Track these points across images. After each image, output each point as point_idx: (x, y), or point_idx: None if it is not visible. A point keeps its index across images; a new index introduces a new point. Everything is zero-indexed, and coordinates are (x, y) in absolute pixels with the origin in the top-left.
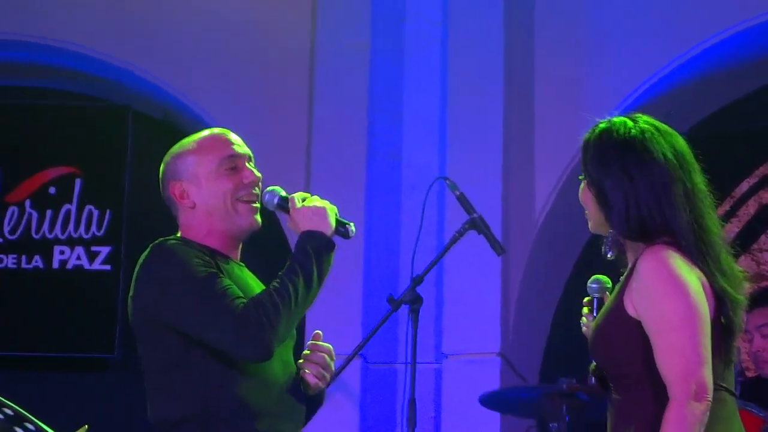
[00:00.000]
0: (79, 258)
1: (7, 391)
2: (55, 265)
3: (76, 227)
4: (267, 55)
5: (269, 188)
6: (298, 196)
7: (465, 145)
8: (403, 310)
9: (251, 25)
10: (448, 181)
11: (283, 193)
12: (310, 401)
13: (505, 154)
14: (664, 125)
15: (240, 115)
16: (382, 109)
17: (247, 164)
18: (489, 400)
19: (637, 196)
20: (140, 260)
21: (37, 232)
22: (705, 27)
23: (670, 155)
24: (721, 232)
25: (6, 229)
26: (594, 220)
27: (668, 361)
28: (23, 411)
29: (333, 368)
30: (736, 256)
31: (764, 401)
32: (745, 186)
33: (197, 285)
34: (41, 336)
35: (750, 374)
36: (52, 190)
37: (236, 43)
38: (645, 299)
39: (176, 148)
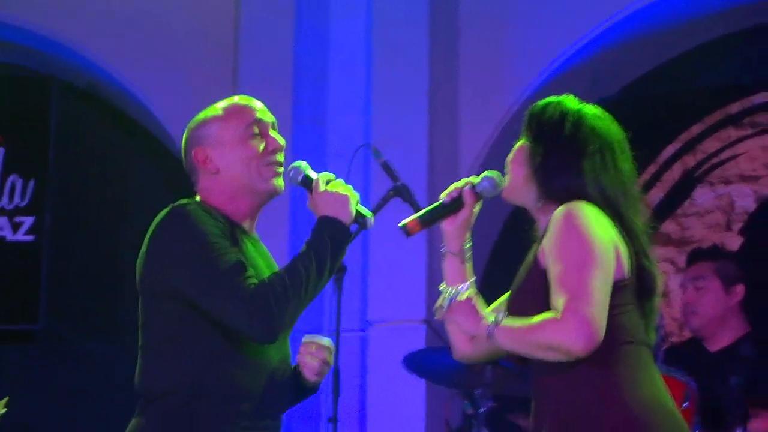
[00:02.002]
0: (1, 229)
1: None
2: None
3: (6, 197)
4: (191, 22)
5: (295, 163)
6: (323, 177)
7: (390, 111)
8: None
9: None
10: (372, 148)
11: (309, 172)
12: (303, 389)
13: (431, 120)
14: (603, 112)
15: (164, 83)
16: (308, 74)
17: (270, 131)
18: (413, 362)
19: (566, 162)
20: (157, 220)
21: None
22: None
23: (601, 134)
24: (645, 214)
25: None
26: (514, 181)
27: (559, 295)
28: None
29: (332, 363)
30: (662, 220)
31: (688, 366)
32: (669, 151)
33: (212, 256)
34: None
35: (674, 339)
36: None
37: (160, 10)
38: (552, 244)
39: (201, 115)
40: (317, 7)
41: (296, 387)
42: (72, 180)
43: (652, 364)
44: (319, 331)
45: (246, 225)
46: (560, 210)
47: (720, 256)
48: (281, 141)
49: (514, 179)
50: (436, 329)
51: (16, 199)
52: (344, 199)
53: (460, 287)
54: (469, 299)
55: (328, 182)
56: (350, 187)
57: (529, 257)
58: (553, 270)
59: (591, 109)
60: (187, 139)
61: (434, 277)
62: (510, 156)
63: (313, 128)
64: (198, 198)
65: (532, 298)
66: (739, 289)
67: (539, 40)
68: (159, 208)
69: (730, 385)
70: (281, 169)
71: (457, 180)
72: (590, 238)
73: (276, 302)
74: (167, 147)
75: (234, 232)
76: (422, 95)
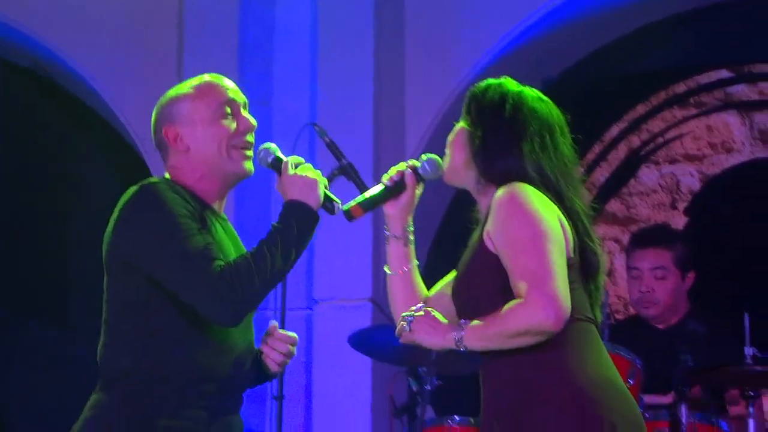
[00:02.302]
0: None
1: None
2: None
3: None
4: (137, 7)
5: (265, 145)
6: (292, 160)
7: (335, 91)
8: None
9: None
10: (317, 128)
11: (279, 154)
12: (264, 374)
13: (376, 98)
14: (543, 95)
15: (110, 64)
16: (253, 55)
17: (242, 111)
18: (358, 340)
19: (507, 143)
20: (125, 197)
21: None
22: None
23: (542, 116)
24: (584, 195)
25: None
26: (454, 163)
27: (519, 278)
28: None
29: (294, 354)
30: (607, 199)
31: (633, 344)
32: (614, 130)
33: (179, 237)
34: None
35: (619, 317)
36: None
37: None
38: (499, 227)
39: (171, 92)
40: None
41: (257, 371)
42: (17, 162)
43: (600, 341)
44: (264, 309)
45: (215, 205)
46: (501, 192)
47: (675, 241)
48: (253, 122)
49: (454, 161)
50: (381, 307)
51: None
52: (312, 183)
53: (414, 307)
54: (427, 313)
55: (297, 165)
56: (319, 171)
57: (473, 240)
58: (507, 255)
59: (531, 92)
60: (157, 115)
61: (380, 256)
62: (450, 138)
63: (259, 109)
64: (167, 176)
65: (481, 280)
66: (691, 276)
67: (484, 22)
68: (105, 188)
69: (679, 362)
70: (251, 152)
71: (402, 160)
72: (537, 216)
73: (241, 285)
74: (113, 127)
75: (203, 212)
76: (368, 75)
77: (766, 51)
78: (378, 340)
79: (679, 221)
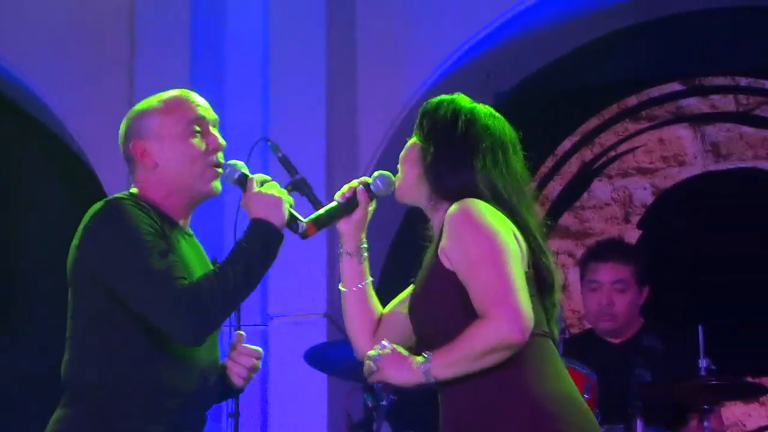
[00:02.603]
0: None
1: None
2: None
3: None
4: (86, 16)
5: (231, 161)
6: (257, 178)
7: (288, 105)
8: None
9: None
10: (270, 142)
11: (245, 170)
12: (229, 389)
13: (328, 114)
14: (496, 112)
15: (60, 78)
16: (204, 68)
17: (211, 129)
18: (314, 356)
19: (460, 158)
20: (91, 212)
21: None
22: None
23: (495, 133)
24: (537, 213)
25: None
26: (406, 180)
27: (481, 295)
28: None
29: (259, 368)
30: (560, 213)
31: (588, 358)
32: (567, 144)
33: (143, 254)
34: None
35: (574, 330)
36: None
37: (56, 7)
38: (455, 244)
39: (140, 106)
40: (213, 1)
41: (222, 386)
42: None
43: (557, 355)
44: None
45: (181, 222)
46: (454, 208)
47: (633, 255)
48: (221, 141)
49: (406, 178)
50: (336, 323)
51: None
52: (277, 202)
53: (379, 345)
54: (393, 350)
55: (262, 183)
56: (284, 190)
57: (428, 257)
58: (465, 271)
59: (484, 109)
60: (125, 129)
61: (334, 271)
62: (402, 154)
63: None
64: (135, 190)
65: (438, 297)
66: (646, 290)
67: (436, 35)
68: (55, 202)
69: (635, 376)
70: (220, 171)
71: (355, 174)
72: (491, 231)
73: (204, 305)
74: (63, 142)
75: (169, 229)
76: (320, 89)
77: (718, 64)
78: (333, 356)
79: (632, 235)
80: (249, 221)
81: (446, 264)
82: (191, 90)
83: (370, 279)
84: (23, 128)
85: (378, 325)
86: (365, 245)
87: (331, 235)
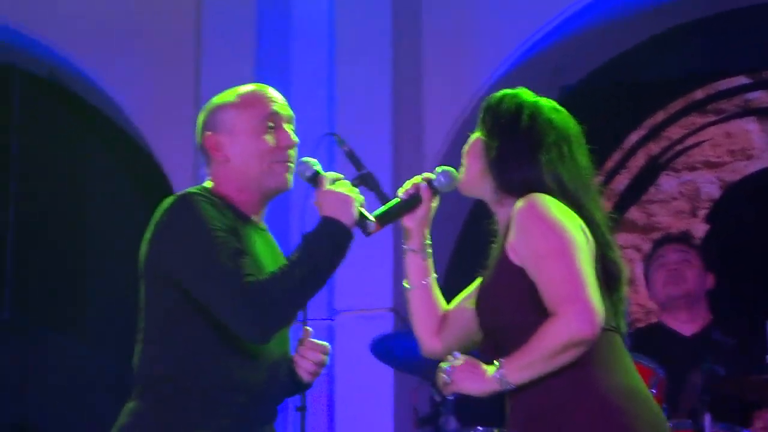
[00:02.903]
0: None
1: None
2: None
3: None
4: (153, 10)
5: (305, 159)
6: (329, 176)
7: (354, 100)
8: None
9: None
10: (336, 137)
11: (318, 167)
12: (298, 385)
13: (394, 107)
14: (559, 106)
15: (126, 73)
16: (270, 64)
17: (284, 125)
18: (380, 349)
19: (524, 153)
20: (164, 206)
21: None
22: None
23: (559, 127)
24: (603, 206)
25: None
26: (470, 174)
27: (550, 290)
28: None
29: (326, 363)
30: (627, 207)
31: (656, 352)
32: (634, 137)
33: (213, 250)
34: None
35: (640, 325)
36: None
37: (124, 3)
38: (523, 239)
39: (216, 99)
40: (278, 7)
41: (291, 381)
42: (35, 171)
43: (624, 350)
44: None
45: (254, 216)
46: (521, 203)
47: (699, 243)
48: (294, 138)
49: (470, 172)
50: (403, 317)
51: None
52: (349, 201)
53: (452, 356)
54: (466, 361)
55: (334, 181)
56: (356, 189)
57: (495, 252)
58: (534, 267)
59: (547, 102)
60: (202, 121)
61: (400, 265)
62: (465, 148)
63: None
64: (209, 184)
65: (506, 293)
66: (711, 278)
67: (501, 30)
68: (123, 197)
69: (703, 372)
70: (292, 165)
71: (421, 168)
72: (560, 226)
73: (271, 303)
74: (130, 136)
75: (241, 224)
76: (386, 83)
77: None
78: (400, 350)
79: (699, 229)
80: (320, 219)
81: (514, 259)
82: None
83: (435, 275)
84: (90, 122)
85: (443, 321)
86: (429, 241)
87: (398, 230)
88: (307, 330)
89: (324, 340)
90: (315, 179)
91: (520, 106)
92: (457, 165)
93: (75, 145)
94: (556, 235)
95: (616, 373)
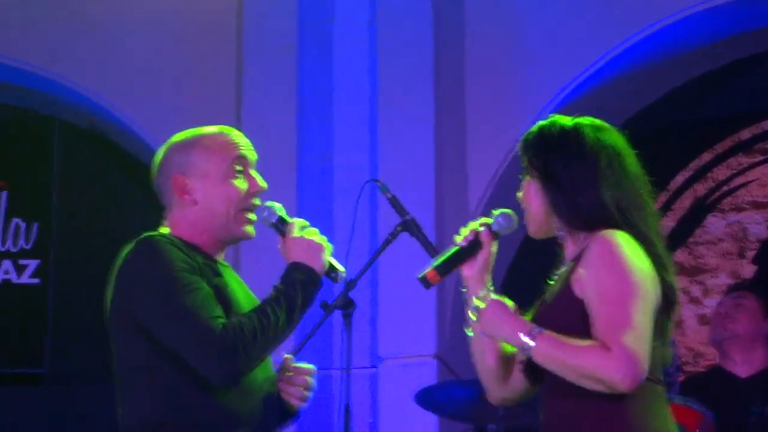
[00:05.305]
0: (7, 272)
1: None
2: None
3: (3, 241)
4: (193, 59)
5: (268, 203)
6: (298, 223)
7: (396, 146)
8: (337, 315)
9: (176, 29)
10: (379, 183)
11: (282, 213)
12: (287, 413)
13: (437, 153)
14: (598, 121)
15: (166, 122)
16: (312, 110)
17: (251, 171)
18: (425, 398)
19: (582, 182)
20: (125, 253)
21: None
22: (634, 21)
23: (607, 144)
24: (659, 223)
25: None
26: (536, 218)
27: (605, 330)
28: None
29: (314, 386)
30: (673, 249)
31: (708, 395)
32: (680, 179)
33: (177, 293)
34: None
35: (688, 368)
36: None
37: (162, 46)
38: (592, 275)
39: (181, 138)
40: (320, 42)
41: (281, 411)
42: (75, 222)
43: (664, 399)
44: (329, 368)
45: (219, 256)
46: (596, 242)
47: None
48: (262, 183)
49: (535, 215)
50: (447, 364)
51: (21, 242)
52: (319, 248)
53: (482, 293)
54: (495, 303)
55: (302, 228)
56: (324, 237)
57: (559, 281)
58: (595, 304)
59: (586, 121)
60: (164, 160)
61: (444, 312)
62: (521, 194)
63: (320, 165)
64: (166, 230)
65: (562, 320)
66: None
67: (544, 73)
68: None
69: (753, 413)
70: (254, 216)
71: (465, 214)
72: (631, 271)
73: (243, 346)
74: None
75: (212, 264)
76: (428, 129)
77: None
78: (444, 397)
79: (748, 270)
80: (288, 265)
81: (577, 291)
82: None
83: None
84: (129, 170)
85: (507, 364)
86: (492, 287)
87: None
88: (287, 357)
89: (367, 389)
90: (281, 225)
91: (563, 135)
92: (501, 210)
93: (115, 194)
94: (624, 279)
95: (651, 418)
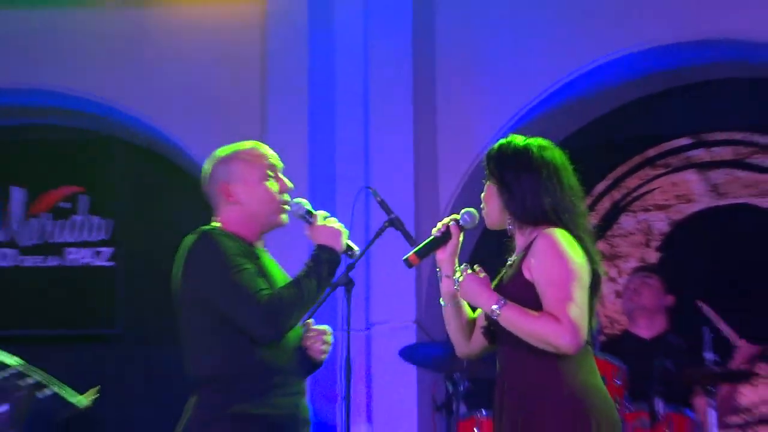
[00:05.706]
0: (89, 256)
1: (35, 362)
2: (68, 263)
3: (89, 232)
4: (225, 91)
5: (296, 199)
6: (321, 214)
7: (384, 160)
8: (340, 290)
9: (212, 70)
10: (371, 190)
11: (309, 206)
12: (313, 364)
13: (416, 165)
14: (545, 141)
15: (206, 141)
16: (319, 139)
17: (280, 174)
18: (406, 354)
19: (528, 190)
20: (189, 243)
21: (51, 238)
22: (567, 64)
23: (549, 161)
24: (587, 222)
25: (31, 235)
26: (492, 215)
27: (553, 307)
28: (44, 378)
29: (331, 343)
30: (595, 241)
31: (621, 353)
32: (600, 187)
33: (233, 272)
34: (59, 317)
35: (606, 331)
36: (64, 204)
37: (200, 80)
38: (539, 264)
39: (224, 154)
40: (326, 90)
41: (308, 363)
42: (138, 218)
43: (591, 355)
44: (334, 328)
45: (258, 244)
46: (541, 237)
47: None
48: (289, 184)
49: (492, 213)
50: (424, 328)
51: (101, 234)
52: (339, 233)
53: (460, 267)
54: (471, 277)
55: (325, 218)
56: (342, 224)
57: (513, 266)
58: (545, 286)
59: (535, 142)
60: (211, 172)
61: (421, 287)
62: (483, 194)
63: (326, 175)
64: (217, 224)
65: (519, 298)
66: (671, 299)
67: (499, 103)
68: None
69: (656, 367)
70: (288, 207)
71: (437, 212)
72: (570, 260)
73: (284, 310)
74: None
75: (254, 250)
76: (409, 147)
77: (718, 123)
78: (422, 353)
79: (652, 256)
80: (315, 247)
81: (527, 276)
82: (309, 150)
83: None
84: (179, 180)
85: (471, 327)
86: (458, 268)
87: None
88: (308, 321)
89: (363, 347)
90: (307, 216)
91: (516, 152)
92: (466, 210)
93: (167, 198)
94: (566, 268)
95: (580, 372)
